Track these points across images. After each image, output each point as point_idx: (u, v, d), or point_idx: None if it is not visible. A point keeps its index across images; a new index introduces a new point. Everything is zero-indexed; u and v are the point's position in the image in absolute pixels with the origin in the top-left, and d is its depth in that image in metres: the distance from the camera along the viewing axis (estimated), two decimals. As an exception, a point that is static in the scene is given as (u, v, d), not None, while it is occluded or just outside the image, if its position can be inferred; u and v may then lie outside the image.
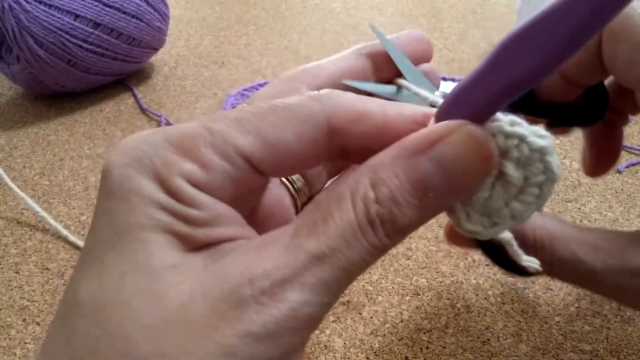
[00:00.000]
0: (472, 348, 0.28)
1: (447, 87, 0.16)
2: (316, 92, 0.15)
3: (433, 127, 0.14)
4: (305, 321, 0.13)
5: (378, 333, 0.29)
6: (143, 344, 0.12)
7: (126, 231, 0.13)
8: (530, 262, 0.17)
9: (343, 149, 0.15)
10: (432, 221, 0.37)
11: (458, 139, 0.13)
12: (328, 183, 0.21)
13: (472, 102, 0.13)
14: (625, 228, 0.37)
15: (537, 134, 0.13)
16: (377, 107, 0.14)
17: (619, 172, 0.42)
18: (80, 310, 0.12)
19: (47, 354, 0.12)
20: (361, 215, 0.13)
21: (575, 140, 0.46)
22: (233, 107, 0.21)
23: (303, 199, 0.20)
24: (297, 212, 0.20)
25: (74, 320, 0.12)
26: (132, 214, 0.13)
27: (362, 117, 0.14)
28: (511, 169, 0.13)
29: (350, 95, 0.15)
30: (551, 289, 0.32)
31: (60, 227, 0.37)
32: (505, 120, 0.13)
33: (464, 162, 0.13)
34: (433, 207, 0.13)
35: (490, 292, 0.32)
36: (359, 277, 0.32)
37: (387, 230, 0.13)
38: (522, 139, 0.13)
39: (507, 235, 0.17)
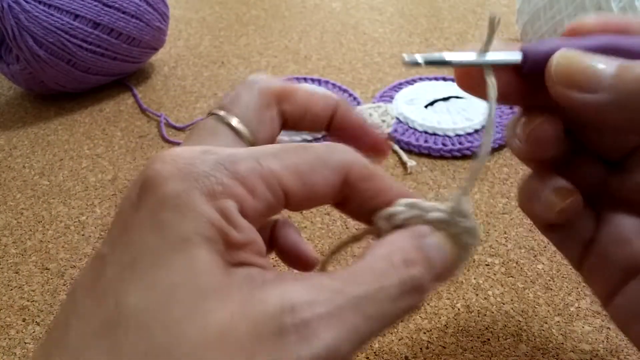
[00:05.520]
0: (472, 348, 0.28)
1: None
2: (336, 143, 0.17)
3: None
4: None
5: (378, 333, 0.29)
6: None
7: (177, 244, 0.13)
8: None
9: (343, 197, 0.17)
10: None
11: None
12: None
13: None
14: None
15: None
16: (380, 173, 0.17)
17: None
18: (127, 324, 0.12)
19: None
20: (404, 277, 0.14)
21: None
22: None
23: None
24: None
25: (119, 332, 0.12)
26: (184, 227, 0.13)
27: (370, 178, 0.17)
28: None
29: (359, 155, 0.17)
30: (551, 289, 0.32)
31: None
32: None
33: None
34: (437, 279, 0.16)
35: (490, 292, 0.32)
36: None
37: (419, 294, 0.15)
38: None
39: None
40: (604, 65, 0.16)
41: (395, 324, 0.15)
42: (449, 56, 0.18)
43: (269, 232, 0.20)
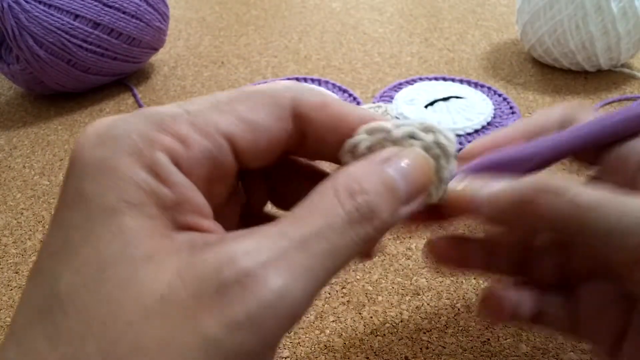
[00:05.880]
0: (472, 348, 0.28)
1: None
2: (283, 81, 0.16)
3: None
4: (289, 309, 0.12)
5: (378, 333, 0.29)
6: (124, 341, 0.11)
7: (102, 216, 0.12)
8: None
9: (302, 134, 0.16)
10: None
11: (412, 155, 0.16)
12: None
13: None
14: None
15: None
16: (334, 100, 0.17)
17: None
18: (63, 306, 0.12)
19: (30, 353, 0.12)
20: (349, 208, 0.14)
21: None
22: None
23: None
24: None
25: (57, 317, 0.12)
26: (107, 196, 0.13)
27: (322, 106, 0.16)
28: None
29: (312, 86, 0.16)
30: (551, 289, 0.32)
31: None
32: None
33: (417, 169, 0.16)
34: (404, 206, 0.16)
35: (490, 292, 0.32)
36: (358, 277, 0.33)
37: (371, 222, 0.14)
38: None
39: None
40: (481, 190, 0.18)
41: (354, 256, 0.14)
42: None
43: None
